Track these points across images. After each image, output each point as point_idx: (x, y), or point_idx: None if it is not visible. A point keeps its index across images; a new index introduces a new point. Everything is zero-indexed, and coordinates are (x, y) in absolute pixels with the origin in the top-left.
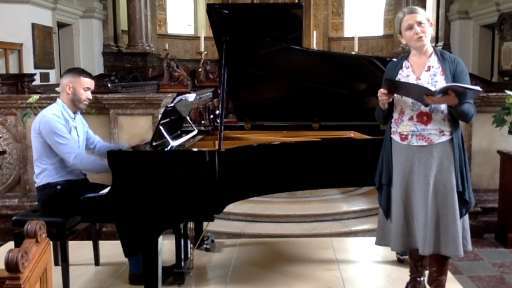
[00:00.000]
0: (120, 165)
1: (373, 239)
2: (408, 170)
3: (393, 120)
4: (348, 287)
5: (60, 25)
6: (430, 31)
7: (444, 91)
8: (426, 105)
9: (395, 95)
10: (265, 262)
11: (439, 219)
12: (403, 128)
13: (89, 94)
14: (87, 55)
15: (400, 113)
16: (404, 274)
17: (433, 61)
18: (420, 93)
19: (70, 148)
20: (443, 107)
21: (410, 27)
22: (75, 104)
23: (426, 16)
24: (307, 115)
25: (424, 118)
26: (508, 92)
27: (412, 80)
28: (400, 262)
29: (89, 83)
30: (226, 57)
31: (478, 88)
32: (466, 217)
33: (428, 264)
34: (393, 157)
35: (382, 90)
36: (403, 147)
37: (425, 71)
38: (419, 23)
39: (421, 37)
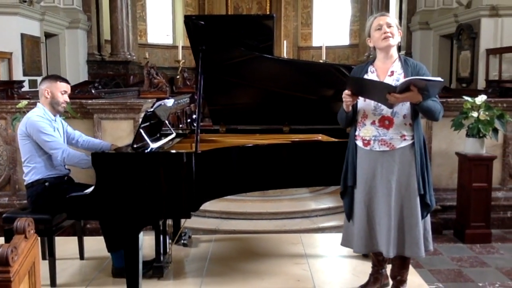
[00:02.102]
0: (103, 166)
1: (340, 235)
2: (371, 175)
3: (356, 124)
4: (316, 280)
5: (48, 35)
6: (398, 36)
7: (407, 87)
8: (390, 107)
9: (359, 98)
10: (238, 257)
11: (403, 222)
12: (365, 132)
13: (66, 97)
14: (73, 63)
15: (362, 116)
16: (368, 267)
17: (397, 66)
18: (383, 91)
19: (57, 144)
20: (405, 111)
21: (379, 27)
22: (54, 107)
23: (396, 22)
24: (278, 119)
25: (386, 122)
26: (466, 97)
27: None
28: (364, 256)
29: (65, 87)
30: (202, 65)
31: (439, 78)
32: (428, 218)
33: (391, 260)
34: (357, 161)
35: (346, 92)
36: (366, 152)
37: (388, 76)
38: (389, 25)
39: (388, 37)
